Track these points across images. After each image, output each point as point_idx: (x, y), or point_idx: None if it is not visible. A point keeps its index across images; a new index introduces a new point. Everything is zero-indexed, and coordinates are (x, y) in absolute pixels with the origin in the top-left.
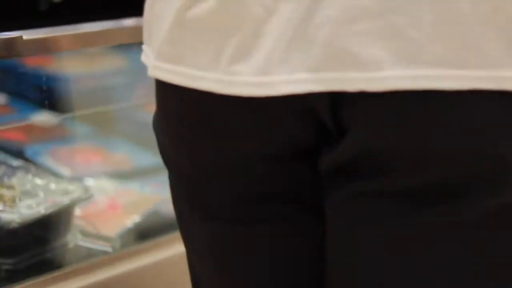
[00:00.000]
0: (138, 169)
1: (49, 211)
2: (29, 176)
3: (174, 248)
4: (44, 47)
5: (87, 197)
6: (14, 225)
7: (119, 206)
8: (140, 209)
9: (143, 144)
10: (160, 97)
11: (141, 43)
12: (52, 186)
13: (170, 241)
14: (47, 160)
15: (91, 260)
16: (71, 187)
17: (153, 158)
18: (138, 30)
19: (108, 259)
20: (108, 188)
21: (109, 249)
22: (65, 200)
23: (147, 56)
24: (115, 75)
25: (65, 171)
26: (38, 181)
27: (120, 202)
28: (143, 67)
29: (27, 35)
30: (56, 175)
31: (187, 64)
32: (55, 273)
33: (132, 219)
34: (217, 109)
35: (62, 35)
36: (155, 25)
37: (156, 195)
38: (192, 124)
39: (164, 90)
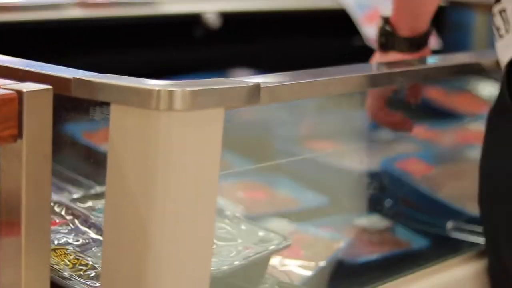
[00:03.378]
0: (306, 210)
1: (251, 259)
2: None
3: None
4: None
5: (287, 245)
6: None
7: (300, 251)
8: (322, 255)
9: (306, 182)
10: None
11: None
12: (244, 229)
13: None
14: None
15: None
16: (269, 233)
17: (318, 198)
18: None
19: None
20: (285, 231)
21: None
22: (265, 247)
23: None
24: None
25: (237, 209)
26: (228, 223)
27: (300, 246)
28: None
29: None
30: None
31: None
32: None
33: (315, 266)
34: None
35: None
36: None
37: (335, 239)
38: None
39: None
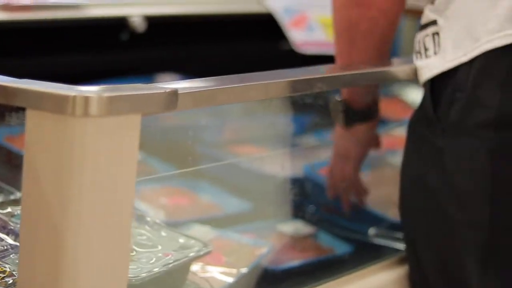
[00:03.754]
0: (229, 216)
1: (171, 266)
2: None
3: None
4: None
5: (207, 251)
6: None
7: (222, 258)
8: (245, 262)
9: (230, 188)
10: None
11: None
12: (165, 236)
13: None
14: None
15: None
16: (190, 240)
17: (241, 204)
18: None
19: None
20: (207, 237)
21: None
22: (186, 254)
23: None
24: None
25: (159, 215)
26: (149, 229)
27: (222, 253)
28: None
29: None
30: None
31: None
32: None
33: (237, 273)
34: None
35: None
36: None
37: (257, 246)
38: None
39: None
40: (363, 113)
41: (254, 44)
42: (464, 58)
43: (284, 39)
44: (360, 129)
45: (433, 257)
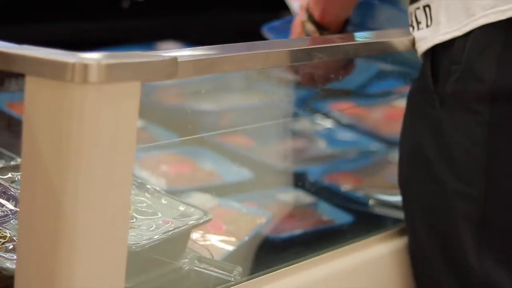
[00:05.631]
0: (230, 185)
1: (171, 233)
2: (139, 192)
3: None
4: None
5: (208, 220)
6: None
7: (223, 226)
8: (245, 230)
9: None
10: None
11: None
12: (165, 203)
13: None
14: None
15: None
16: (190, 208)
17: (242, 173)
18: None
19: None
20: (208, 205)
21: (230, 278)
22: (186, 222)
23: None
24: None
25: (160, 183)
26: (149, 197)
27: (222, 221)
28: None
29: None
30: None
31: None
32: None
33: (237, 242)
34: None
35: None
36: None
37: (258, 215)
38: None
39: None
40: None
41: (256, 13)
42: (459, 32)
43: (285, 8)
44: None
45: (430, 229)
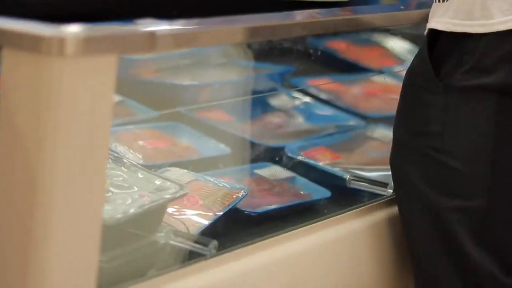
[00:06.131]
0: (207, 159)
1: (146, 207)
2: (116, 166)
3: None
4: None
5: (184, 194)
6: (115, 221)
7: (199, 201)
8: (221, 205)
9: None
10: None
11: None
12: (141, 177)
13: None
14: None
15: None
16: (166, 182)
17: (219, 148)
18: None
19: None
20: (184, 180)
21: (205, 252)
22: (161, 196)
23: None
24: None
25: (136, 157)
26: (125, 171)
27: (199, 196)
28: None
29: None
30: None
31: None
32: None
33: (213, 216)
34: None
35: None
36: None
37: (234, 189)
38: None
39: None
40: None
41: None
42: (471, 30)
43: None
44: None
45: (424, 215)
